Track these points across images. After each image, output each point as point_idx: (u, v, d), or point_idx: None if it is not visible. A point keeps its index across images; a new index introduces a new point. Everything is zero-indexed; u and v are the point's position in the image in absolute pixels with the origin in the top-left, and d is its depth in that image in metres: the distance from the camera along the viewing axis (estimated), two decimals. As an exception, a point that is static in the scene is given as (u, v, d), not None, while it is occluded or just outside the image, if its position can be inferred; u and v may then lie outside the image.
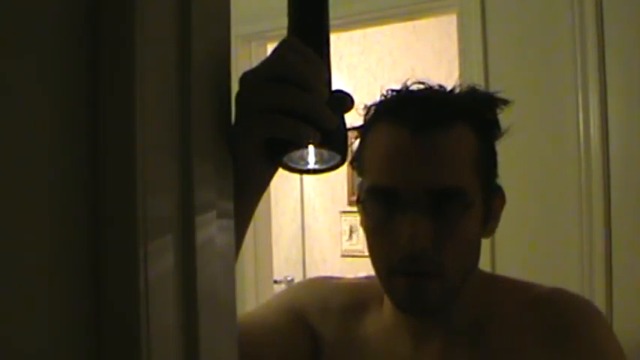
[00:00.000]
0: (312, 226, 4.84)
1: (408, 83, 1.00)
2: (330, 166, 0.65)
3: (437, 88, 1.00)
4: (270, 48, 3.29)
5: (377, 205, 0.93)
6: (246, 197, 0.68)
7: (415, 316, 0.98)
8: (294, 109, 0.60)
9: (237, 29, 2.93)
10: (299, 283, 1.19)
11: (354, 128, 0.95)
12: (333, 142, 0.63)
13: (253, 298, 3.08)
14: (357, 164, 0.98)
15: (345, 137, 0.64)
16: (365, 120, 0.98)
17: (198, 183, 0.55)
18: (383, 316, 1.01)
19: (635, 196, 2.20)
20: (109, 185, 0.51)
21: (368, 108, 0.98)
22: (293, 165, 0.64)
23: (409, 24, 4.02)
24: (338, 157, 0.64)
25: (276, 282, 3.96)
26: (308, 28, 0.65)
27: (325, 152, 0.64)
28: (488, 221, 0.97)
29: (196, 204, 0.55)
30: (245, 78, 0.63)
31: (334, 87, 0.65)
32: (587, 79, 2.26)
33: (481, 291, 0.98)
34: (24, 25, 0.48)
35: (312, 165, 0.65)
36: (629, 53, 2.22)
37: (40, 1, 0.49)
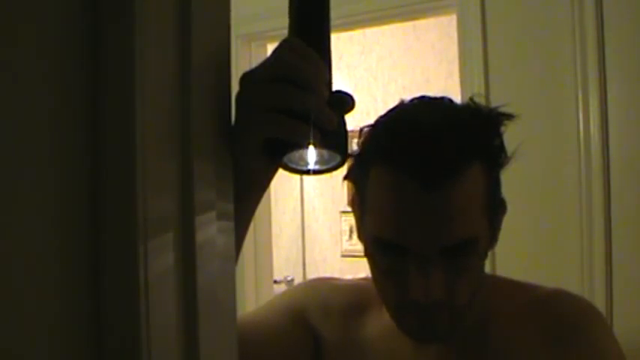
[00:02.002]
0: (312, 226, 4.84)
1: (406, 99, 0.94)
2: (330, 167, 0.65)
3: (436, 108, 0.92)
4: (270, 48, 3.30)
5: (386, 255, 0.90)
6: (246, 197, 0.68)
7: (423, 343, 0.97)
8: (294, 109, 0.60)
9: (237, 29, 2.93)
10: (300, 284, 1.19)
11: (353, 155, 0.92)
12: (333, 143, 0.63)
13: (253, 298, 3.08)
14: (359, 203, 0.93)
15: (346, 138, 0.64)
16: (362, 146, 0.92)
17: (198, 183, 0.55)
18: (383, 317, 1.00)
19: (635, 196, 2.20)
20: (109, 185, 0.51)
21: (363, 132, 0.93)
22: (293, 166, 0.64)
23: (409, 24, 4.02)
24: (338, 158, 0.64)
25: (276, 282, 3.96)
26: (309, 28, 0.65)
27: (325, 153, 0.64)
28: (493, 239, 0.95)
29: (196, 204, 0.55)
30: (245, 78, 0.63)
31: (334, 87, 0.64)
32: (587, 79, 2.26)
33: (482, 292, 0.97)
34: (23, 26, 0.48)
35: (312, 165, 0.65)
36: (629, 53, 2.22)
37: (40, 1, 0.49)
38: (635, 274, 2.18)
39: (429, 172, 0.84)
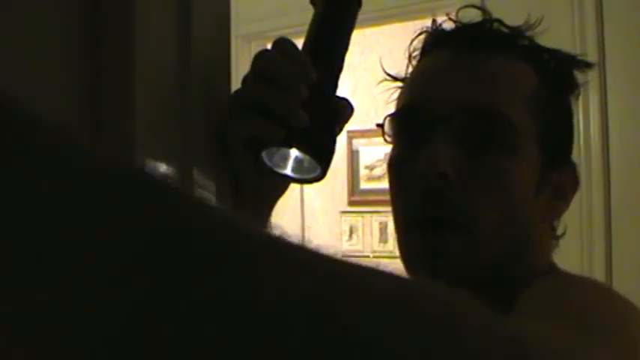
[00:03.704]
0: (312, 226, 4.84)
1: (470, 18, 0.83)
2: (308, 178, 0.63)
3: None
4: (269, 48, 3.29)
5: (400, 132, 0.76)
6: (247, 199, 0.66)
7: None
8: (266, 107, 0.59)
9: (237, 29, 2.93)
10: None
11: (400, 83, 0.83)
12: (315, 151, 0.60)
13: (253, 298, 3.08)
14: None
15: (331, 150, 0.61)
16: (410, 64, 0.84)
17: (197, 183, 0.55)
18: None
19: (635, 196, 2.20)
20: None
21: (412, 52, 0.83)
22: (273, 168, 0.62)
23: (409, 24, 4.01)
24: (318, 171, 0.61)
25: (276, 282, 3.95)
26: (320, 31, 0.65)
27: (307, 162, 0.62)
28: (546, 192, 0.75)
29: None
30: (243, 78, 0.63)
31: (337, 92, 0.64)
32: (587, 79, 2.25)
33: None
34: (24, 32, 0.48)
35: (288, 171, 0.63)
36: (629, 53, 2.22)
37: (42, 2, 0.49)
38: (635, 273, 2.18)
39: (466, 42, 0.77)
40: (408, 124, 0.75)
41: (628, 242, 2.21)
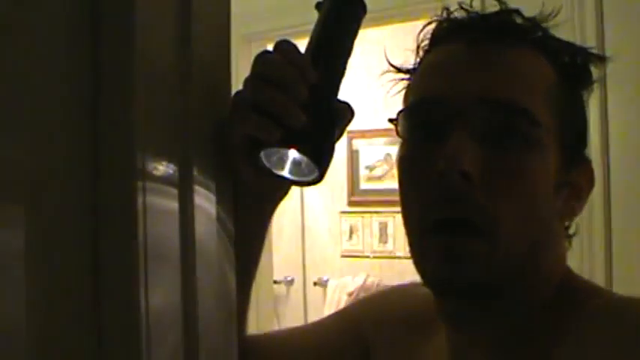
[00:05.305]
0: (312, 226, 4.84)
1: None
2: (305, 181, 0.62)
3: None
4: (270, 48, 3.28)
5: (414, 127, 0.72)
6: (246, 199, 0.66)
7: (452, 298, 0.72)
8: (265, 107, 0.59)
9: (237, 29, 2.93)
10: (361, 298, 1.02)
11: (408, 72, 0.80)
12: (313, 152, 0.60)
13: (253, 298, 3.07)
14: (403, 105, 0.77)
15: (329, 153, 0.61)
16: (417, 57, 0.80)
17: (197, 183, 0.55)
18: (440, 337, 0.79)
19: (635, 196, 2.20)
20: (108, 186, 0.51)
21: (419, 45, 0.80)
22: (271, 169, 0.62)
23: (409, 24, 4.01)
24: (316, 173, 0.61)
25: (276, 282, 3.96)
26: (319, 34, 0.65)
27: (305, 164, 0.62)
28: (564, 192, 0.72)
29: (196, 204, 0.55)
30: (245, 79, 0.63)
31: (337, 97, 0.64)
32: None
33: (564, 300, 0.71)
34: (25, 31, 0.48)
35: (285, 172, 0.63)
36: (629, 53, 2.22)
37: (42, 5, 0.49)
38: (635, 274, 2.18)
39: (479, 34, 0.72)
40: (423, 119, 0.72)
41: (628, 242, 2.21)
